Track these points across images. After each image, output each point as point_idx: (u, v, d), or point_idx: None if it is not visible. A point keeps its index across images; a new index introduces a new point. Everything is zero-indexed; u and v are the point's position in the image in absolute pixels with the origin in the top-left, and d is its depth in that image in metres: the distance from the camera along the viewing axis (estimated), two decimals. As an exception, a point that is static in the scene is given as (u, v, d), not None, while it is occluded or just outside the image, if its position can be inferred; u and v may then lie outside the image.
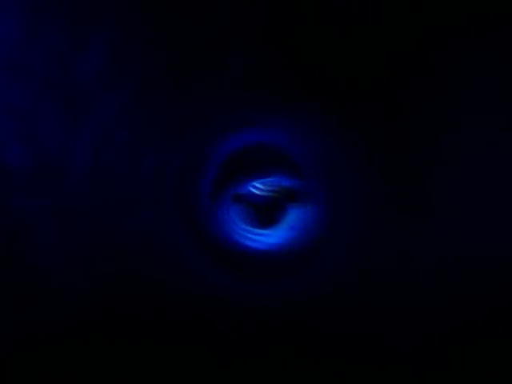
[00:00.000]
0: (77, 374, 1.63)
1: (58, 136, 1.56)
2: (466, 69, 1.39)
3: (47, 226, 1.54)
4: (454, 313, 1.61)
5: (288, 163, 4.02)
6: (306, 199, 4.00)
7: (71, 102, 1.57)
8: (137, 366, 1.83)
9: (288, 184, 5.11)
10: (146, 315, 2.01)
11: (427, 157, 1.70)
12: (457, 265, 1.60)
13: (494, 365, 1.41)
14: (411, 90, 1.62)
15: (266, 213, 5.75)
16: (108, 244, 1.85)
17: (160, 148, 2.20)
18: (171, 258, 2.42)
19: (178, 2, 1.47)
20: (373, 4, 1.43)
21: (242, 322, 2.28)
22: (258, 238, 4.70)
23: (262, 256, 3.71)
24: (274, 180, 5.34)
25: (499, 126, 1.31)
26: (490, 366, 1.43)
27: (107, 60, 1.57)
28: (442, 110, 1.53)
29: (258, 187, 5.77)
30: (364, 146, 2.09)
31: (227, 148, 3.26)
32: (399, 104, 1.72)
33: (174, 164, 2.44)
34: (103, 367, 1.71)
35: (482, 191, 1.46)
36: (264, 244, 4.22)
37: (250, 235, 4.81)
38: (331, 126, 2.25)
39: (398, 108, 1.74)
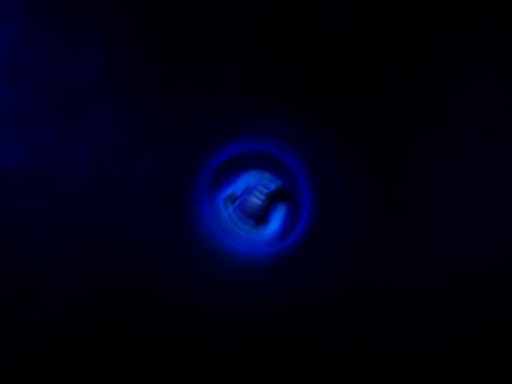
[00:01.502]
0: (72, 375, 1.62)
1: (55, 137, 1.56)
2: (462, 72, 1.41)
3: (45, 227, 1.54)
4: (449, 313, 1.63)
5: (281, 165, 4.04)
6: (299, 201, 4.01)
7: (69, 104, 1.57)
8: (133, 367, 1.83)
9: (281, 186, 5.12)
10: (142, 316, 2.01)
11: (422, 161, 1.71)
12: (450, 266, 1.62)
13: (494, 366, 1.43)
14: (405, 93, 1.64)
15: (259, 214, 5.75)
16: (105, 245, 1.85)
17: (157, 149, 2.20)
18: (167, 258, 2.42)
19: (175, 5, 1.48)
20: (368, 9, 1.45)
21: (237, 325, 2.29)
22: (251, 239, 4.70)
23: (255, 257, 3.71)
24: (268, 182, 5.35)
25: (497, 130, 1.33)
26: (489, 367, 1.44)
27: (104, 62, 1.58)
28: (436, 114, 1.55)
29: (251, 189, 5.78)
30: (358, 149, 2.11)
31: (223, 150, 3.26)
32: (393, 108, 1.74)
33: (170, 165, 2.43)
34: (99, 368, 1.70)
35: (476, 196, 1.48)
36: (257, 245, 4.22)
37: (244, 236, 4.80)
38: (325, 129, 2.27)
39: (392, 112, 1.76)
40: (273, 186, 5.42)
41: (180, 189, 2.76)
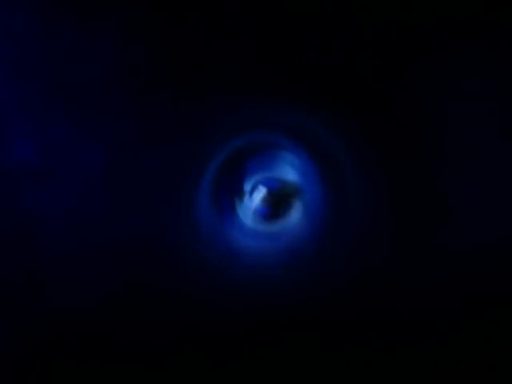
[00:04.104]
0: (77, 374, 1.64)
1: (66, 134, 1.57)
2: (472, 70, 1.39)
3: (51, 224, 1.56)
4: (457, 313, 1.61)
5: (293, 163, 4.02)
6: (311, 199, 4.00)
7: (80, 101, 1.58)
8: (139, 366, 1.84)
9: (292, 183, 5.11)
10: (147, 313, 2.02)
11: (435, 158, 1.69)
12: (462, 266, 1.60)
13: (496, 363, 1.42)
14: (420, 91, 1.62)
15: (269, 211, 5.73)
16: (110, 242, 1.87)
17: (163, 147, 2.21)
18: (172, 257, 2.43)
19: (183, 6, 1.49)
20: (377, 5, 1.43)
21: (243, 323, 2.29)
22: (261, 236, 4.69)
23: (265, 255, 3.71)
24: (278, 178, 5.33)
25: (508, 126, 1.30)
26: (491, 365, 1.43)
27: (113, 60, 1.59)
28: (450, 112, 1.53)
29: (261, 186, 5.76)
30: (372, 146, 2.09)
31: (231, 147, 3.26)
32: (408, 105, 1.72)
33: (177, 163, 2.44)
34: (104, 365, 1.72)
35: (490, 194, 1.46)
36: (267, 242, 4.21)
37: (253, 233, 4.80)
38: (339, 126, 2.25)
39: (407, 109, 1.74)
40: (285, 182, 5.39)
41: (189, 186, 2.77)
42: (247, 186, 5.51)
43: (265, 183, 5.63)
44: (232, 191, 4.91)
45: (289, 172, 4.81)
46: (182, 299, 2.28)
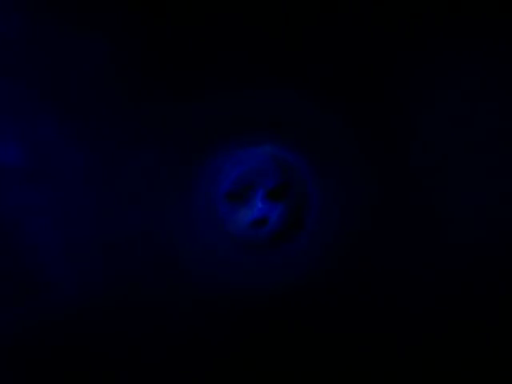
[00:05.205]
0: (74, 374, 1.63)
1: (52, 135, 1.56)
2: (468, 73, 1.40)
3: (43, 226, 1.54)
4: (443, 314, 1.64)
5: (284, 161, 4.05)
6: (303, 197, 4.03)
7: (69, 102, 1.57)
8: (136, 363, 1.84)
9: (283, 182, 5.13)
10: (143, 312, 2.02)
11: (427, 158, 1.71)
12: (453, 262, 1.63)
13: (495, 357, 1.44)
14: (413, 92, 1.64)
15: (262, 210, 5.74)
16: (105, 243, 1.86)
17: (155, 147, 2.20)
18: (169, 256, 2.43)
19: (177, 7, 1.48)
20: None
21: (239, 319, 2.30)
22: (254, 234, 4.71)
23: (258, 253, 3.73)
24: (270, 177, 5.36)
25: (503, 129, 1.32)
26: (490, 358, 1.45)
27: (104, 60, 1.58)
28: (442, 114, 1.55)
29: (254, 187, 5.77)
30: (363, 146, 2.11)
31: (226, 147, 3.27)
32: (400, 105, 1.73)
33: (169, 163, 2.44)
34: (102, 362, 1.71)
35: (483, 194, 1.48)
36: (260, 240, 4.23)
37: (246, 232, 4.82)
38: (331, 125, 2.27)
39: (399, 109, 1.75)
40: (276, 182, 5.41)
41: (182, 187, 2.77)
42: (239, 185, 5.52)
43: (256, 185, 5.63)
44: (223, 191, 4.92)
45: (280, 171, 4.83)
46: (177, 298, 2.28)
